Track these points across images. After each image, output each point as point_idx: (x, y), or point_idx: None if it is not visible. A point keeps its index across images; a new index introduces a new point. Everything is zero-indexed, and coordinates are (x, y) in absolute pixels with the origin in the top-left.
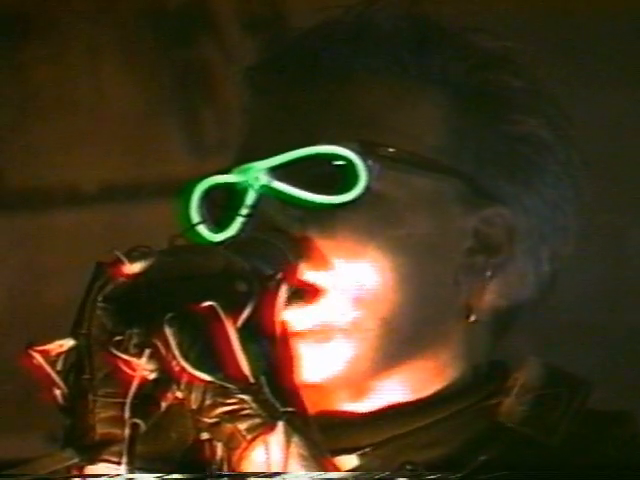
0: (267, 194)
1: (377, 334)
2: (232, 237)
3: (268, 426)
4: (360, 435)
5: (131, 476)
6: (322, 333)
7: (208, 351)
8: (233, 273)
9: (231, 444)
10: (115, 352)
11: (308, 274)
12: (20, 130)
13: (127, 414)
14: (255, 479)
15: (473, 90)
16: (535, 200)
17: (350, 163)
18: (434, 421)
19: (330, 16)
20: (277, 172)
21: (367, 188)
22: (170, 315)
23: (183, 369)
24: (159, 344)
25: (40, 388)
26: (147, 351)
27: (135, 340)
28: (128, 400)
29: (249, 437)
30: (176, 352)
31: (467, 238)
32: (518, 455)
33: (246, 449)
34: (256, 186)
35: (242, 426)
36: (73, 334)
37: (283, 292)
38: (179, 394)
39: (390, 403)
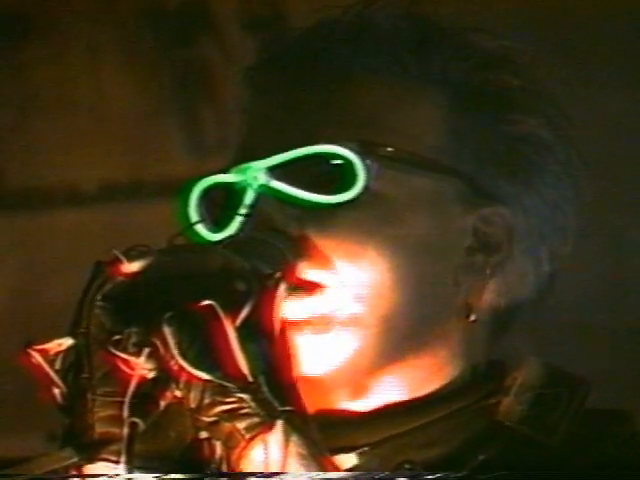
0: (266, 193)
1: (376, 332)
2: (231, 236)
3: (267, 425)
4: (359, 434)
5: (130, 475)
6: (321, 331)
7: (207, 350)
8: (232, 272)
9: (230, 443)
10: (114, 351)
11: (307, 273)
12: (20, 130)
13: (126, 413)
14: (254, 479)
15: (473, 90)
16: (535, 200)
17: (349, 163)
18: (433, 420)
19: (330, 16)
20: (276, 172)
21: (366, 188)
22: (169, 314)
23: (182, 368)
24: (158, 343)
25: (39, 387)
26: (146, 350)
27: (134, 339)
28: (127, 399)
29: (248, 436)
30: (175, 351)
31: (466, 237)
32: (517, 455)
33: (245, 448)
34: (255, 185)
35: (241, 425)
36: (72, 333)
37: (282, 291)
38: (178, 393)
39: (389, 402)
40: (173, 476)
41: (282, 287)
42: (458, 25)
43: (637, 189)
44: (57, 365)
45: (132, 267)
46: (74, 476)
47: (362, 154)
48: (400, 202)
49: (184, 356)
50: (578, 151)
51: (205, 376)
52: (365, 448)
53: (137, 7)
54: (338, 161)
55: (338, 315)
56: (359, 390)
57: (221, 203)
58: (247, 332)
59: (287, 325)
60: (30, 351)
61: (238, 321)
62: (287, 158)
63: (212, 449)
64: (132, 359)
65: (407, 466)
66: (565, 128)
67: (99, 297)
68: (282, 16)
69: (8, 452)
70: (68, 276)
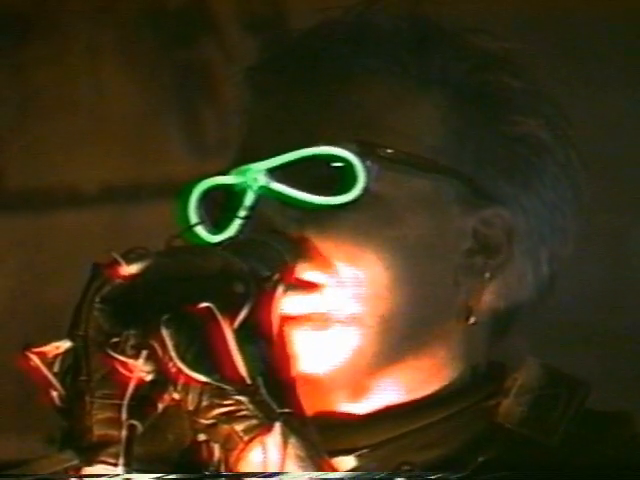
0: (266, 195)
1: (375, 333)
2: (230, 238)
3: (265, 427)
4: (358, 436)
5: (128, 476)
6: (320, 331)
7: (205, 352)
8: (230, 274)
9: (228, 445)
10: (112, 353)
11: (306, 274)
12: (20, 130)
13: (124, 415)
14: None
15: (473, 91)
16: (534, 201)
17: (349, 164)
18: (432, 422)
19: (330, 16)
20: (276, 173)
21: (366, 189)
22: (167, 316)
23: (180, 370)
24: (156, 345)
25: (37, 390)
26: (144, 352)
27: (132, 341)
28: (125, 401)
29: (246, 438)
30: (173, 353)
31: (466, 239)
32: (517, 456)
33: (243, 450)
34: (255, 187)
35: (239, 427)
36: (70, 335)
37: (280, 293)
38: (176, 395)
39: (388, 404)
40: (171, 478)
41: (280, 289)
42: (458, 26)
43: (637, 190)
44: (55, 368)
45: (130, 269)
46: (73, 476)
47: (362, 155)
48: (400, 203)
49: (182, 358)
50: (577, 152)
51: (203, 378)
52: (364, 450)
53: (137, 7)
54: (338, 163)
55: (337, 316)
56: (358, 392)
57: (221, 204)
58: (245, 334)
59: (285, 327)
60: (28, 354)
61: (236, 323)
62: (287, 160)
63: (210, 451)
64: (130, 361)
65: (405, 467)
66: (564, 129)
67: (97, 299)
68: (282, 16)
69: (7, 454)
70: (68, 277)
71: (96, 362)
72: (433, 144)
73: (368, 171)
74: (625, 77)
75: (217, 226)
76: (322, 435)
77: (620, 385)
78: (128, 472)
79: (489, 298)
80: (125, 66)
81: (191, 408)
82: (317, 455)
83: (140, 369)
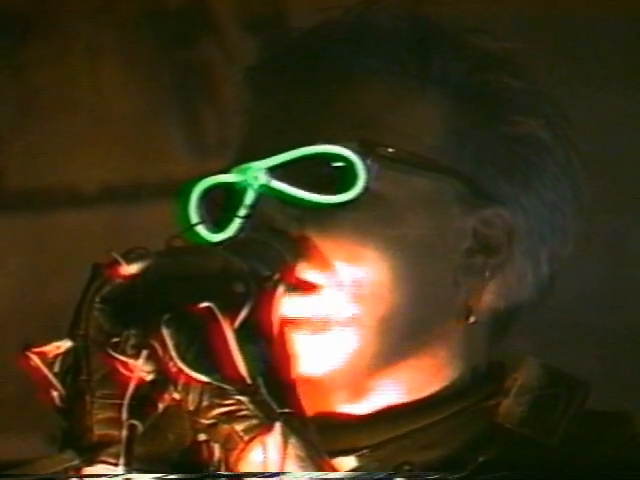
0: (266, 194)
1: (375, 332)
2: (231, 238)
3: (265, 427)
4: (358, 436)
5: (129, 476)
6: (320, 331)
7: (205, 352)
8: (231, 274)
9: (228, 445)
10: (112, 353)
11: (306, 274)
12: (20, 130)
13: (124, 415)
14: (253, 479)
15: (473, 91)
16: (534, 201)
17: (349, 163)
18: (433, 422)
19: (330, 16)
20: (276, 172)
21: (366, 188)
22: (167, 316)
23: (180, 370)
24: (156, 345)
25: (38, 390)
26: (144, 352)
27: (132, 341)
28: (125, 401)
29: (246, 438)
30: (173, 353)
31: (466, 238)
32: (517, 456)
33: (243, 450)
34: (255, 186)
35: (239, 427)
36: (70, 335)
37: (280, 293)
38: (176, 395)
39: (388, 404)
40: (172, 478)
41: (281, 289)
42: (458, 26)
43: (637, 190)
44: (56, 368)
45: (130, 269)
46: (73, 476)
47: (363, 154)
48: (400, 202)
49: (182, 358)
50: (577, 152)
51: (203, 378)
52: (365, 450)
53: (137, 7)
54: (339, 163)
55: (337, 316)
56: (359, 392)
57: (221, 203)
58: (245, 334)
59: (286, 327)
60: (29, 354)
61: (236, 323)
62: (288, 158)
63: (210, 451)
64: (131, 361)
65: (406, 467)
66: (564, 129)
67: (97, 299)
68: (282, 16)
69: (7, 454)
70: (68, 277)
71: (96, 362)
72: (433, 144)
73: (369, 170)
74: (625, 77)
75: (217, 225)
76: (322, 435)
77: (620, 385)
78: (128, 472)
79: (489, 298)
80: (125, 66)
81: (191, 408)
82: (317, 455)
83: (140, 369)
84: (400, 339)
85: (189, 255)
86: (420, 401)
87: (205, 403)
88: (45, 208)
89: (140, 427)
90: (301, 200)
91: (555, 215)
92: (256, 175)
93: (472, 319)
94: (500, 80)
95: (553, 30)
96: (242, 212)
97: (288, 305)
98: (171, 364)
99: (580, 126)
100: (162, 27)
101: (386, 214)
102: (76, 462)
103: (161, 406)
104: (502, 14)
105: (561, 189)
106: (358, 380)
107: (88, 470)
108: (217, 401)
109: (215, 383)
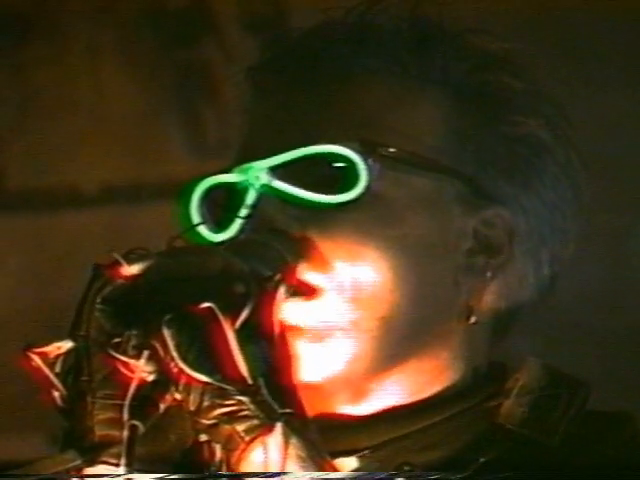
0: (267, 193)
1: (376, 334)
2: (232, 238)
3: (266, 427)
4: (359, 437)
5: (130, 476)
6: (321, 333)
7: (206, 353)
8: (231, 275)
9: (229, 445)
10: (113, 354)
11: (307, 274)
12: (20, 130)
13: (126, 416)
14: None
15: (473, 91)
16: (534, 201)
17: (350, 163)
18: (433, 423)
19: (331, 16)
20: (277, 171)
21: (367, 188)
22: (168, 316)
23: (181, 370)
24: (157, 346)
25: (39, 390)
26: (145, 353)
27: (133, 342)
28: (127, 402)
29: (247, 438)
30: (174, 354)
31: (467, 239)
32: (518, 456)
33: (244, 450)
34: (256, 185)
35: (240, 427)
36: (71, 336)
37: (281, 294)
38: (177, 396)
39: (389, 405)
40: (173, 478)
41: (281, 289)
42: (458, 26)
43: (637, 190)
44: (57, 368)
45: (131, 270)
46: (74, 476)
47: (364, 154)
48: (401, 202)
49: (184, 359)
50: (577, 152)
51: (204, 378)
52: (366, 451)
53: (137, 7)
54: (340, 163)
55: (338, 319)
56: (360, 393)
57: (222, 203)
58: (246, 334)
59: (286, 327)
60: (30, 354)
61: (237, 323)
62: (289, 158)
63: (211, 451)
64: (132, 362)
65: (407, 468)
66: (564, 129)
67: (99, 300)
68: (283, 16)
69: (8, 454)
70: (68, 277)
71: (98, 362)
72: (433, 144)
73: (370, 170)
74: (625, 77)
75: (219, 225)
76: (323, 436)
77: (620, 385)
78: (130, 472)
79: (490, 298)
80: (125, 66)
81: (192, 408)
82: (318, 455)
83: (142, 369)
84: (401, 340)
85: (190, 255)
86: (421, 402)
87: (206, 403)
88: (45, 208)
89: (141, 427)
90: (302, 200)
91: (555, 215)
92: (258, 175)
93: (473, 319)
94: (500, 80)
95: (553, 30)
96: (243, 212)
97: (289, 311)
98: (172, 364)
99: (580, 126)
100: (162, 27)
101: (387, 214)
102: (77, 462)
103: (162, 406)
104: (502, 14)
105: (561, 189)
106: (359, 380)
107: (89, 470)
108: (218, 401)
109: (216, 383)
